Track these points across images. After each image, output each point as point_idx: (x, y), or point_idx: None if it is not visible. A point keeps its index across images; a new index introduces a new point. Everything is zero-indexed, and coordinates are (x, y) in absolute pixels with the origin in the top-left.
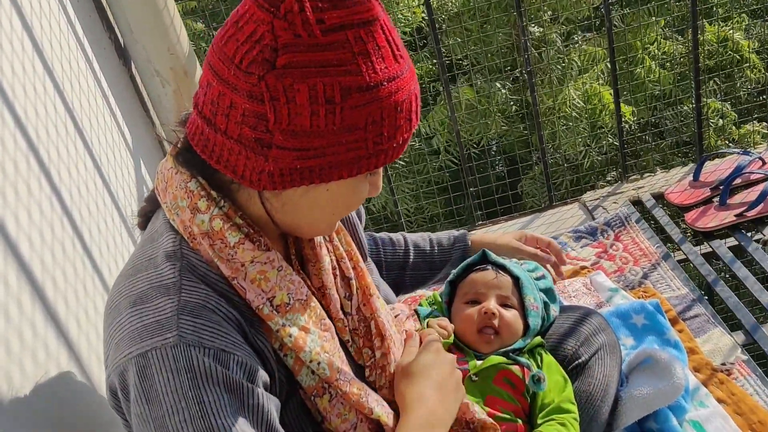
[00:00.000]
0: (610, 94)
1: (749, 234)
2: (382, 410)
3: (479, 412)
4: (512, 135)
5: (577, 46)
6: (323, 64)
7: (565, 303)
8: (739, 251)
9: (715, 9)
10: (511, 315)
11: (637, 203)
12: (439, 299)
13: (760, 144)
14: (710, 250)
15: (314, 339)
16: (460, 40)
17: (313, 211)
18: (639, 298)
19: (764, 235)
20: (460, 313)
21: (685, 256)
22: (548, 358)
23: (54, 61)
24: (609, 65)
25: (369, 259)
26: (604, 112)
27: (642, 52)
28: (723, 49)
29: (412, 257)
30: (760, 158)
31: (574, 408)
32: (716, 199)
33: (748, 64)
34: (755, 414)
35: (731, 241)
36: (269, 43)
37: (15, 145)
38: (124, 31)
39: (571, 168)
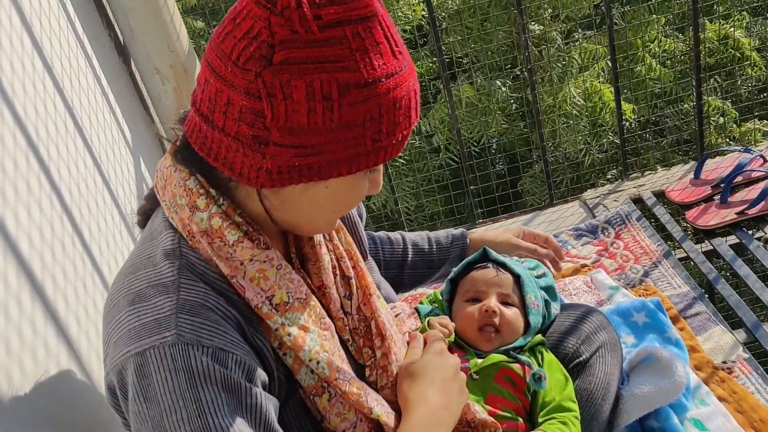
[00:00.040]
0: (611, 91)
1: (750, 232)
2: (381, 410)
3: (480, 411)
4: (513, 133)
5: (577, 43)
6: (320, 60)
7: (566, 301)
8: (740, 249)
9: (715, 7)
10: (512, 313)
11: (637, 201)
12: (440, 297)
13: (761, 142)
14: (711, 248)
15: (314, 338)
16: (460, 37)
17: (312, 209)
18: (640, 296)
19: (765, 233)
20: (460, 311)
21: (686, 254)
22: (549, 357)
23: (53, 58)
24: (609, 63)
25: (369, 257)
26: (604, 110)
27: (643, 50)
28: (724, 47)
29: (410, 256)
30: (761, 156)
31: (575, 406)
32: (717, 197)
33: (748, 62)
34: (756, 412)
35: (732, 239)
36: (266, 40)
37: (15, 143)
38: (124, 28)
39: (571, 166)
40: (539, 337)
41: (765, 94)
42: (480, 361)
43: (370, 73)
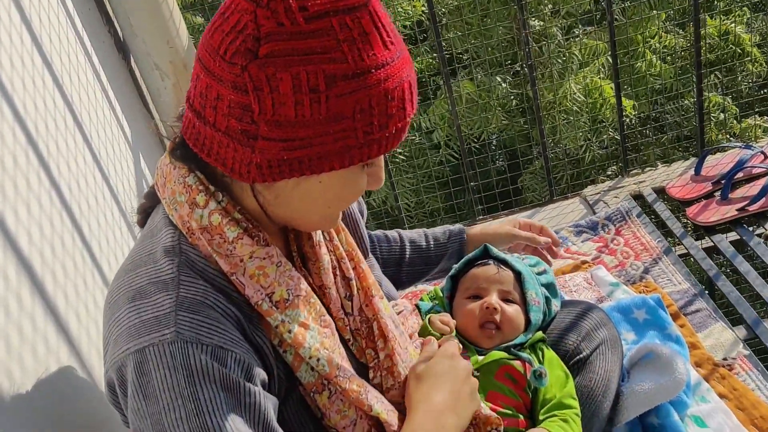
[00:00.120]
0: (611, 88)
1: (751, 228)
2: (381, 407)
3: (484, 408)
4: (513, 129)
5: (577, 39)
6: (306, 52)
7: (567, 298)
8: (740, 246)
9: (716, 2)
10: (513, 310)
11: (638, 197)
12: (441, 294)
13: (762, 138)
14: (712, 244)
15: (314, 335)
16: (460, 33)
17: (306, 204)
18: (640, 292)
19: (766, 230)
20: (461, 308)
21: (686, 251)
22: (549, 354)
23: (53, 54)
24: (610, 59)
25: (371, 255)
26: (605, 106)
27: (643, 46)
28: (724, 43)
29: (408, 253)
30: (762, 152)
31: (576, 403)
32: (718, 194)
33: (749, 58)
34: (757, 409)
35: (733, 236)
36: (252, 33)
37: (14, 139)
38: (124, 24)
39: (571, 162)
40: (540, 334)
41: (765, 90)
42: (481, 358)
43: (358, 64)
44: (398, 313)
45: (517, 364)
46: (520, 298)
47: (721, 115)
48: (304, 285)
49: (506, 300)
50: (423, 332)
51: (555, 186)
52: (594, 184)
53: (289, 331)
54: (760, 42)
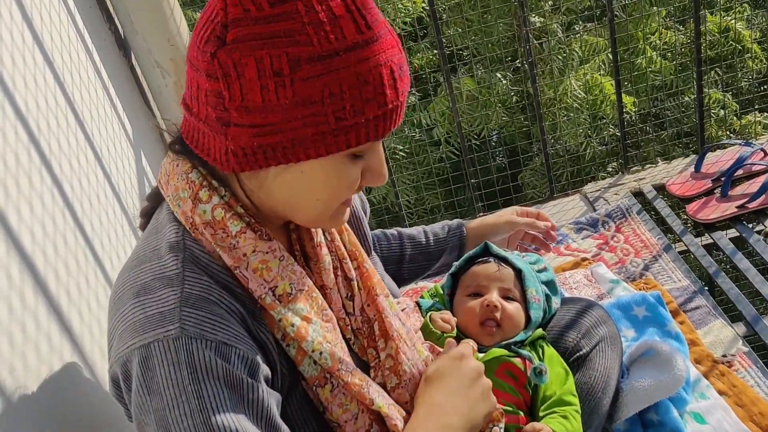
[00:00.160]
0: (612, 84)
1: (750, 225)
2: (383, 401)
3: None
4: (513, 126)
5: (578, 36)
6: (271, 36)
7: (567, 295)
8: (740, 243)
9: None
10: (513, 307)
11: (638, 194)
12: (441, 292)
13: (762, 135)
14: (711, 241)
15: (316, 329)
16: (460, 30)
17: (291, 195)
18: (640, 289)
19: (765, 227)
20: (462, 306)
21: (686, 248)
22: (550, 351)
23: (54, 52)
24: (610, 55)
25: (374, 253)
26: (605, 103)
27: (643, 43)
28: (724, 39)
29: (408, 250)
30: (762, 150)
31: (576, 400)
32: (718, 191)
33: (749, 55)
34: (756, 406)
35: (732, 233)
36: (221, 20)
37: (16, 137)
38: (124, 22)
39: (572, 159)
40: (540, 331)
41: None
42: (481, 355)
43: (324, 46)
44: (401, 311)
45: (517, 361)
46: (521, 296)
47: (721, 112)
48: (306, 279)
49: (506, 297)
50: (424, 330)
51: (555, 183)
52: (594, 181)
53: (292, 325)
54: (761, 38)
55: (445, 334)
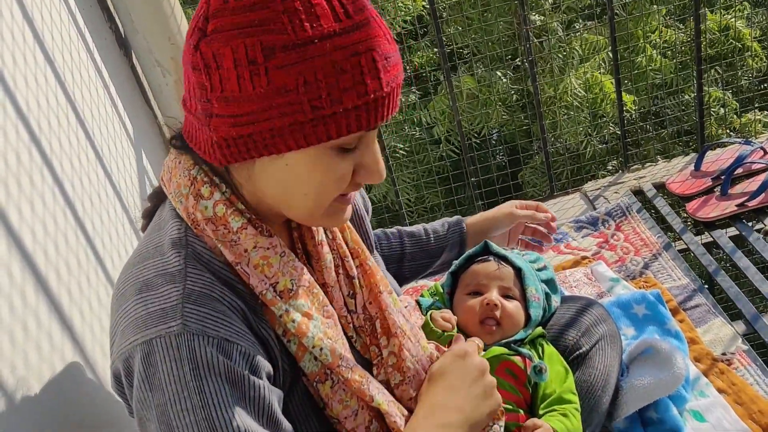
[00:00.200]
0: (612, 83)
1: (750, 224)
2: (383, 398)
3: None
4: (513, 124)
5: (578, 34)
6: (246, 25)
7: (567, 293)
8: (740, 241)
9: None
10: (513, 306)
11: (638, 193)
12: (441, 290)
13: (762, 133)
14: (711, 240)
15: (317, 324)
16: (461, 28)
17: (278, 189)
18: (640, 288)
19: (765, 225)
20: (462, 304)
21: (686, 246)
22: (549, 349)
23: (55, 51)
24: (610, 54)
25: (376, 251)
26: (605, 101)
27: (643, 41)
28: (725, 38)
29: (408, 248)
30: (762, 148)
31: (576, 398)
32: (717, 189)
33: (749, 53)
34: (755, 404)
35: (732, 231)
36: (203, 12)
37: (17, 136)
38: (125, 21)
39: (572, 157)
40: (540, 329)
41: (766, 85)
42: (481, 353)
43: (299, 34)
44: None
45: (517, 359)
46: (520, 295)
47: (722, 110)
48: (307, 276)
49: (506, 296)
50: (425, 329)
51: (555, 181)
52: (594, 179)
53: (293, 321)
54: (761, 37)
55: (445, 333)
